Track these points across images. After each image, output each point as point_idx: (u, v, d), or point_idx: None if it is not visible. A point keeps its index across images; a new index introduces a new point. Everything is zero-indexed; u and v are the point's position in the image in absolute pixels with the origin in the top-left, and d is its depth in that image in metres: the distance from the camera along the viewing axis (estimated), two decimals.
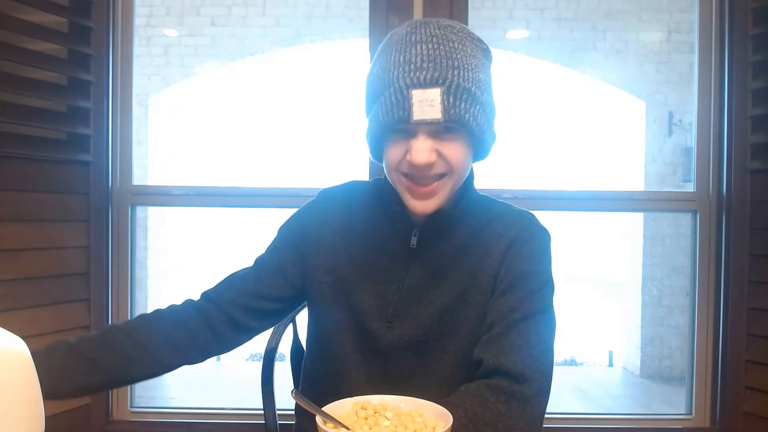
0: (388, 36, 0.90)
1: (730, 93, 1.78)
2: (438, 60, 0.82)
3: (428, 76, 0.81)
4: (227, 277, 1.03)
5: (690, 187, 1.93)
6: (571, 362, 5.87)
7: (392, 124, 0.83)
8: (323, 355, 1.01)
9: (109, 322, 1.81)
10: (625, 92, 4.82)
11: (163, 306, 1.00)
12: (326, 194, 1.03)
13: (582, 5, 4.50)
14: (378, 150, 0.91)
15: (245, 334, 1.01)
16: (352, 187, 1.04)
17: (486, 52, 0.90)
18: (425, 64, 0.81)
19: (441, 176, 0.87)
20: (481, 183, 1.00)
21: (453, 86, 0.81)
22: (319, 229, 0.99)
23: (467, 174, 0.91)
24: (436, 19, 0.88)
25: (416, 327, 0.93)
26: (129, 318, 1.87)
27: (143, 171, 4.36)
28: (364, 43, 1.80)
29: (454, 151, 0.85)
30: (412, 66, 0.82)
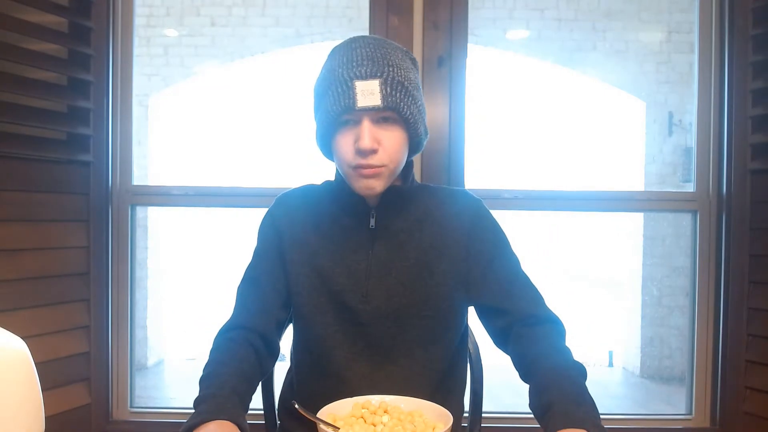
0: (332, 50, 1.04)
1: (730, 93, 1.78)
2: (375, 59, 0.97)
3: (368, 71, 0.96)
4: (238, 308, 1.08)
5: (690, 187, 1.93)
6: None
7: (340, 113, 0.96)
8: (308, 339, 1.10)
9: (109, 322, 1.81)
10: (625, 92, 4.82)
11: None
12: (286, 197, 1.15)
13: (582, 5, 4.50)
14: (327, 147, 1.03)
15: (276, 355, 1.10)
16: (308, 188, 1.16)
17: (414, 63, 1.06)
18: (365, 61, 0.97)
19: (381, 166, 0.99)
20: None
21: (389, 79, 0.96)
22: (290, 228, 1.10)
23: (404, 163, 1.05)
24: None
25: (389, 296, 1.05)
26: (128, 318, 1.87)
27: (143, 171, 4.36)
28: None
29: (393, 140, 0.98)
30: (354, 63, 0.97)
